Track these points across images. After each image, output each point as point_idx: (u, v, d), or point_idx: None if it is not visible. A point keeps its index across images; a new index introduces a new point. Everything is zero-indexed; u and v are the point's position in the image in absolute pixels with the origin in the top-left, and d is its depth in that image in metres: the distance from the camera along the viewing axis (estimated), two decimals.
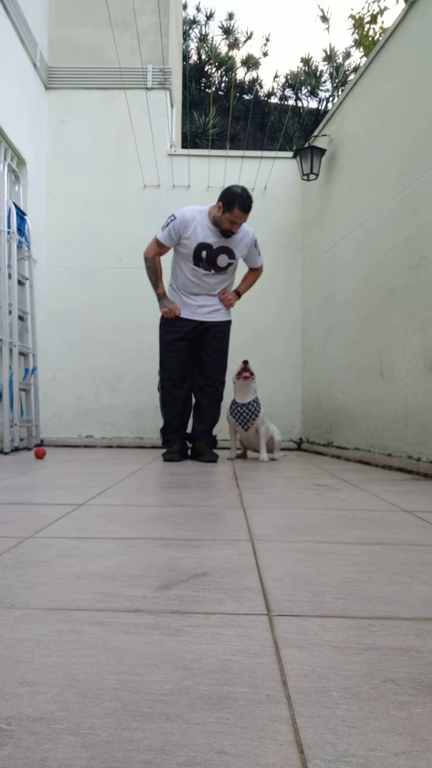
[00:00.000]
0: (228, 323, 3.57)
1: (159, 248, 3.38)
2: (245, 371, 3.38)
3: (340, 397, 4.00)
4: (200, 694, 0.59)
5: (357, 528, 1.47)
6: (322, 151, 4.34)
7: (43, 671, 0.64)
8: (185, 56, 8.96)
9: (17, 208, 4.04)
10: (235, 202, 3.17)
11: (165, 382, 3.50)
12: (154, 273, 3.41)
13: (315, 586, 0.96)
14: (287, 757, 0.49)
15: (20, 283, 4.16)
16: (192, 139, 7.87)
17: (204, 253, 3.34)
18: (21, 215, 4.14)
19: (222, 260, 3.40)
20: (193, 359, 3.50)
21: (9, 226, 3.87)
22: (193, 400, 3.58)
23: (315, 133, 4.64)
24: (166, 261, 3.57)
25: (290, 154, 4.90)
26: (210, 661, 0.67)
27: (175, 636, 0.74)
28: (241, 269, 3.64)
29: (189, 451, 3.55)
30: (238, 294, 3.58)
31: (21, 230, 4.12)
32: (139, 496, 1.99)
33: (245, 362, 3.40)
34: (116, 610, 0.83)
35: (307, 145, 4.49)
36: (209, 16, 10.25)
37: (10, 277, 3.85)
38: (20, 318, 4.15)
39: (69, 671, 0.64)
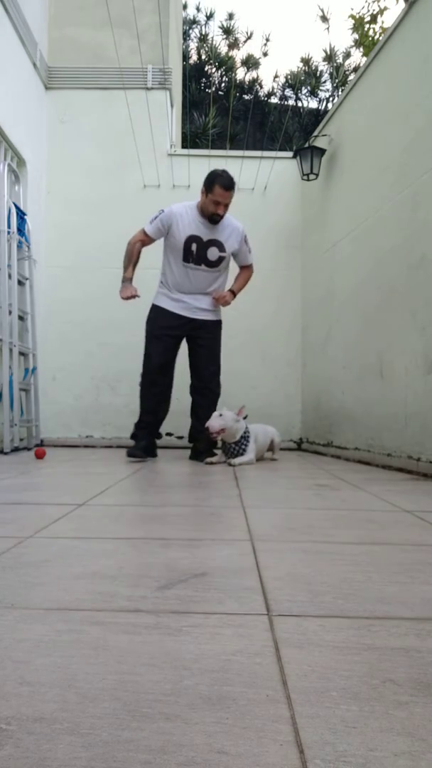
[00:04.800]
0: (219, 323, 3.52)
1: (143, 237, 3.33)
2: (211, 435, 3.11)
3: (339, 397, 4.00)
4: (200, 694, 0.59)
5: (357, 528, 1.47)
6: (322, 151, 4.34)
7: (43, 671, 0.64)
8: (185, 56, 8.96)
9: (17, 208, 4.04)
10: (215, 182, 3.18)
11: (144, 377, 3.44)
12: (128, 256, 3.34)
13: (315, 586, 0.95)
14: (287, 757, 0.49)
15: (20, 283, 4.16)
16: (192, 139, 7.87)
17: (194, 246, 3.30)
18: (21, 215, 4.14)
19: (212, 254, 3.35)
20: (175, 357, 3.43)
21: (9, 226, 3.87)
22: (190, 400, 3.55)
23: (315, 133, 4.64)
24: (156, 259, 3.52)
25: (290, 154, 4.90)
26: (210, 661, 0.67)
27: (174, 636, 0.74)
28: (233, 270, 3.60)
29: (155, 450, 3.52)
30: (233, 293, 3.52)
31: (21, 230, 4.12)
32: (139, 496, 1.99)
33: (205, 428, 3.14)
34: (116, 610, 0.83)
35: (307, 145, 4.49)
36: (209, 16, 10.24)
37: (10, 277, 3.85)
38: (20, 318, 4.15)
39: (69, 671, 0.64)
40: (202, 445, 3.45)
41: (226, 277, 3.54)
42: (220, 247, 3.36)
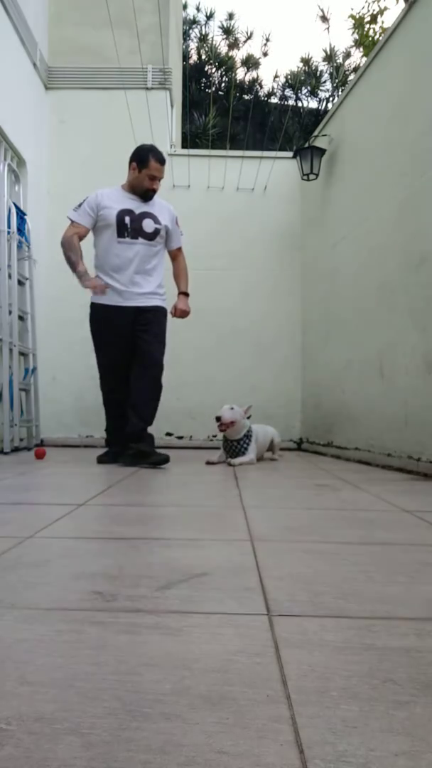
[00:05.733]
0: (164, 310, 3.25)
1: (75, 228, 3.14)
2: (221, 425, 3.14)
3: (340, 397, 4.00)
4: (200, 694, 0.59)
5: (357, 528, 1.47)
6: (322, 151, 4.34)
7: (43, 671, 0.64)
8: (185, 56, 8.96)
9: (17, 208, 4.04)
10: (149, 156, 3.08)
11: (102, 386, 3.30)
12: (71, 250, 3.12)
13: (315, 586, 0.95)
14: (287, 757, 0.49)
15: (20, 283, 4.16)
16: (192, 139, 7.86)
17: (127, 219, 3.11)
18: (21, 215, 4.14)
19: (148, 225, 3.15)
20: (132, 354, 3.15)
21: (9, 226, 3.87)
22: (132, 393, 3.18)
23: (315, 133, 4.64)
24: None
25: (290, 154, 4.90)
26: (210, 661, 0.67)
27: (175, 636, 0.74)
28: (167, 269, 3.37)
29: (132, 454, 3.10)
30: (185, 294, 3.33)
31: (21, 230, 4.11)
32: (139, 496, 1.99)
33: (217, 418, 3.14)
34: (116, 610, 0.83)
35: (307, 145, 4.49)
36: (209, 16, 10.24)
37: (10, 277, 3.86)
38: (20, 318, 4.15)
39: (69, 671, 0.64)
40: (146, 445, 3.11)
41: (162, 258, 3.30)
42: (155, 219, 3.18)
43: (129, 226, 3.13)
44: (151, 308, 3.18)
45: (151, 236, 3.18)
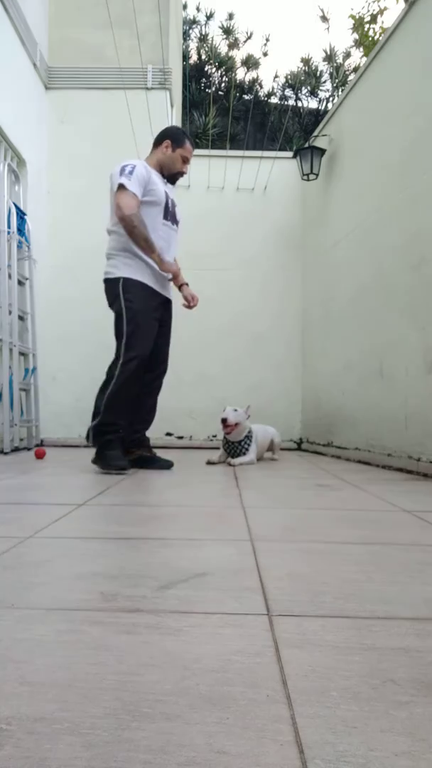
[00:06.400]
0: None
1: (136, 199, 2.66)
2: (226, 427, 3.11)
3: (340, 397, 4.00)
4: (200, 694, 0.59)
5: (357, 528, 1.47)
6: (322, 151, 4.34)
7: (43, 671, 0.64)
8: (185, 56, 8.96)
9: (17, 208, 4.04)
10: (184, 137, 2.88)
11: (132, 367, 2.72)
12: (143, 225, 2.67)
13: (315, 586, 0.95)
14: (287, 757, 0.49)
15: (20, 283, 4.16)
16: (192, 139, 7.86)
17: (170, 201, 2.87)
18: (21, 215, 4.14)
19: (178, 212, 2.96)
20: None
21: (9, 226, 3.87)
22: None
23: (315, 133, 4.65)
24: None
25: (290, 154, 4.90)
26: (210, 661, 0.67)
27: (175, 636, 0.74)
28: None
29: (139, 459, 2.95)
30: (186, 284, 3.07)
31: (21, 230, 4.11)
32: (139, 496, 1.99)
33: (223, 420, 3.11)
34: (116, 610, 0.83)
35: (307, 145, 4.49)
36: (209, 16, 10.24)
37: (10, 277, 3.85)
38: (20, 318, 4.15)
39: (69, 671, 0.64)
40: (151, 449, 3.00)
41: None
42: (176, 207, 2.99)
43: (170, 209, 2.88)
44: (170, 303, 3.00)
45: (178, 224, 2.98)
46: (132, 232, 2.67)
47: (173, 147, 2.88)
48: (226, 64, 9.56)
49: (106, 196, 4.94)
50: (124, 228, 2.68)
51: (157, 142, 2.93)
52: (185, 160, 2.92)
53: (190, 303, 3.00)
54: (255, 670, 0.65)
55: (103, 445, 2.75)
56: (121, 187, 2.65)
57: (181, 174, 2.96)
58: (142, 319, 2.76)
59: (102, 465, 2.73)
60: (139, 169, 2.71)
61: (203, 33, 9.93)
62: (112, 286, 2.84)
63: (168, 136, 2.90)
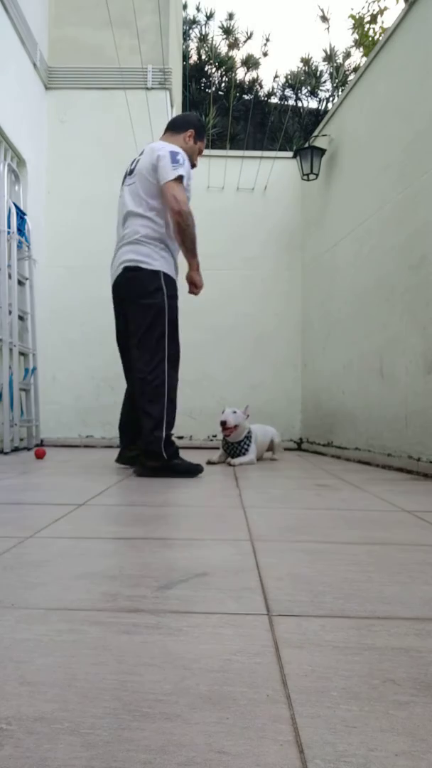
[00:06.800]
0: None
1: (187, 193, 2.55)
2: (225, 429, 3.11)
3: (340, 397, 4.00)
4: (200, 694, 0.59)
5: (357, 528, 1.47)
6: (322, 151, 4.34)
7: (43, 671, 0.64)
8: (185, 56, 8.95)
9: (17, 208, 4.04)
10: (203, 131, 2.75)
11: (174, 377, 2.71)
12: (195, 225, 2.56)
13: (315, 586, 0.95)
14: (287, 757, 0.49)
15: (20, 283, 4.16)
16: None
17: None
18: (21, 215, 4.14)
19: None
20: None
21: (9, 226, 3.87)
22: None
23: (315, 133, 4.65)
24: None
25: (290, 154, 4.90)
26: (210, 661, 0.67)
27: (175, 636, 0.74)
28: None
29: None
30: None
31: (21, 230, 4.12)
32: (139, 496, 1.99)
33: (222, 423, 3.10)
34: (116, 610, 0.83)
35: (307, 145, 4.49)
36: (209, 16, 10.23)
37: (10, 277, 3.85)
38: (20, 318, 4.15)
39: (69, 671, 0.64)
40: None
41: None
42: None
43: None
44: None
45: None
46: (185, 231, 2.54)
47: (195, 138, 2.72)
48: (226, 64, 9.56)
49: (106, 195, 4.94)
50: (177, 223, 2.52)
51: (179, 127, 2.73)
52: (200, 154, 2.80)
53: (197, 287, 2.81)
54: (255, 670, 0.65)
55: (172, 455, 2.60)
56: (180, 179, 2.49)
57: (193, 167, 2.78)
58: (177, 319, 2.67)
59: (175, 474, 2.58)
60: (187, 161, 2.57)
61: (203, 33, 9.92)
62: (149, 277, 2.59)
63: (193, 125, 2.72)
